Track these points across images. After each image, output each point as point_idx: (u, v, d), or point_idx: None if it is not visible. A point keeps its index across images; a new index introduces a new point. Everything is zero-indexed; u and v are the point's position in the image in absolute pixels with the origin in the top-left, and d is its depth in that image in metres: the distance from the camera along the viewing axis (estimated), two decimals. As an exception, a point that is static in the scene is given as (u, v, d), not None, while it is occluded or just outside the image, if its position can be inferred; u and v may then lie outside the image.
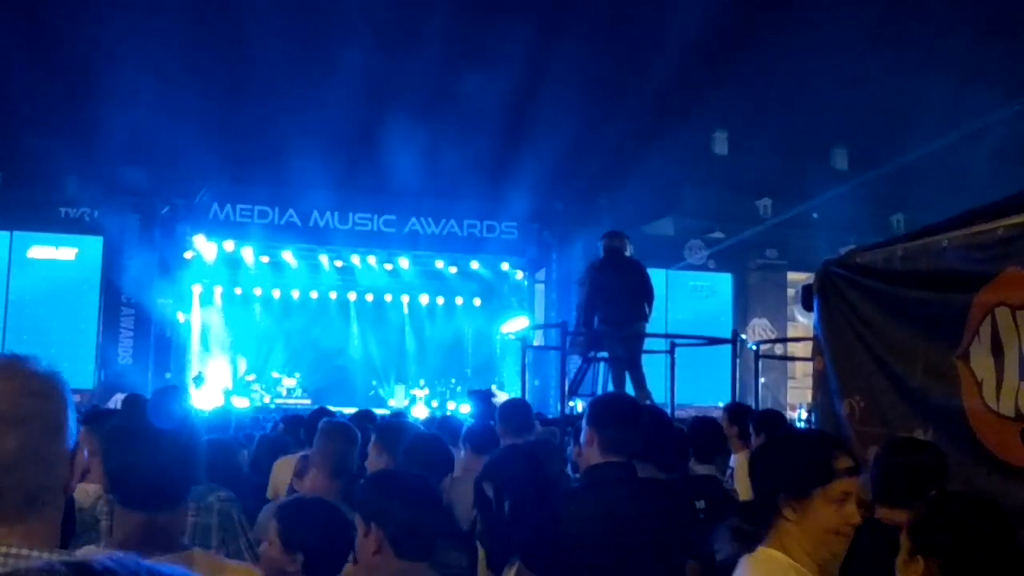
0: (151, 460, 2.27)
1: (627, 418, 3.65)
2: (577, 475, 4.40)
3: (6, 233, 17.86)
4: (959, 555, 2.20)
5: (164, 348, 17.95)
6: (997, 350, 4.79)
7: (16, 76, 15.94)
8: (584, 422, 3.75)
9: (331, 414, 6.78)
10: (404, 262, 20.63)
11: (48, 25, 17.82)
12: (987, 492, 4.54)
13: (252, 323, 22.18)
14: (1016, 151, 15.38)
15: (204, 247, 18.96)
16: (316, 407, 18.22)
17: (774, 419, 6.12)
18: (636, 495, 3.50)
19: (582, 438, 3.75)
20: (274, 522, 2.94)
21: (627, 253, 9.48)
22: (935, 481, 3.59)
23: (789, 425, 6.00)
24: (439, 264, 20.90)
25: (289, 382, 20.68)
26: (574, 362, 10.14)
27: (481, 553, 3.60)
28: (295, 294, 22.21)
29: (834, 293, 6.28)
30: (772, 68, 18.95)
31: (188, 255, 18.83)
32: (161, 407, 4.49)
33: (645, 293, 9.36)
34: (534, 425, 5.26)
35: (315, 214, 18.95)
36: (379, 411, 16.93)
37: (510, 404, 5.67)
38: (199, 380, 18.69)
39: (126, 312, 17.79)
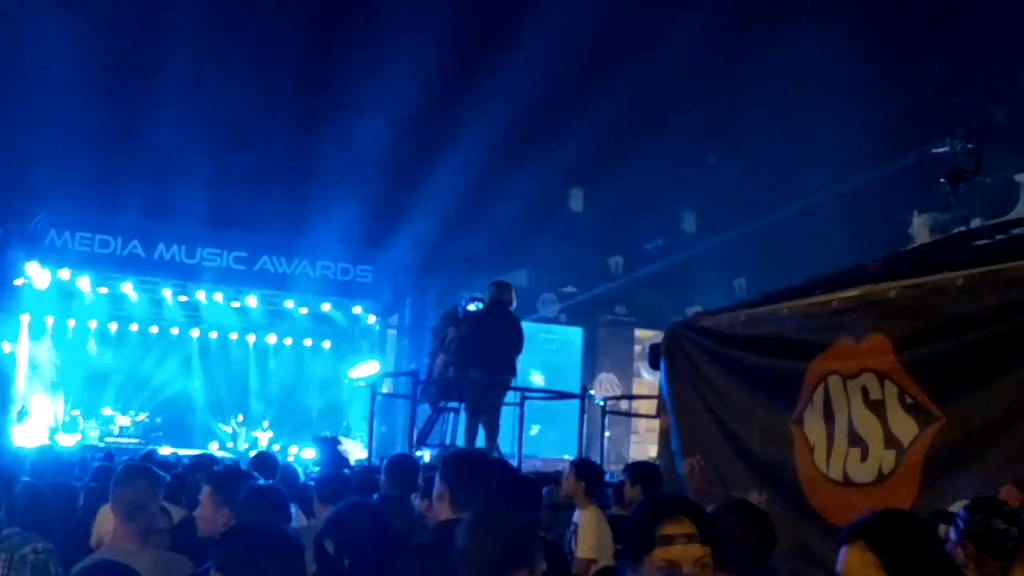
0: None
1: (480, 474, 3.63)
2: None
3: None
4: None
5: (-15, 380, 16.78)
6: (829, 417, 5.02)
7: None
8: (437, 476, 3.71)
9: (153, 456, 6.40)
10: (252, 300, 20.03)
11: None
12: (818, 554, 4.73)
13: (85, 357, 21.02)
14: (852, 223, 16.37)
15: (37, 274, 17.89)
16: (147, 448, 17.39)
17: (649, 472, 6.09)
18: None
19: (434, 492, 3.70)
20: None
21: (511, 307, 9.57)
22: (765, 545, 3.66)
23: (661, 478, 6.01)
24: (289, 304, 20.40)
25: (123, 420, 19.63)
26: (423, 411, 10.05)
27: None
28: (134, 328, 21.21)
29: (680, 354, 6.47)
30: (627, 131, 19.59)
31: (18, 282, 17.73)
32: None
33: (518, 348, 9.47)
34: (418, 482, 5.14)
35: (161, 246, 18.21)
36: (222, 454, 16.29)
37: (399, 458, 5.57)
38: (22, 415, 17.53)
39: (-56, 340, 16.58)
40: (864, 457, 4.79)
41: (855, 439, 4.85)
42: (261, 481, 4.30)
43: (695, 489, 5.85)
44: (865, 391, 4.81)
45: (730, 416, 5.84)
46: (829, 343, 5.08)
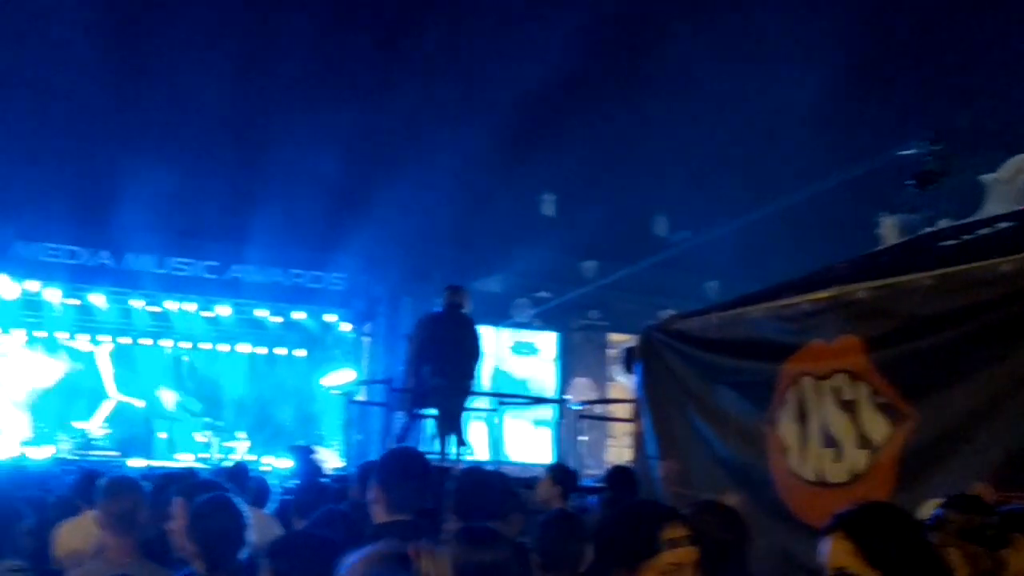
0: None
1: (414, 474, 3.60)
2: None
3: None
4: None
5: (-47, 394, 16.56)
6: (802, 418, 5.06)
7: None
8: (372, 478, 3.66)
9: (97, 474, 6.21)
10: (224, 310, 19.89)
11: None
12: (792, 553, 4.76)
13: (56, 369, 20.75)
14: (822, 225, 16.52)
15: (5, 286, 17.70)
16: (120, 459, 17.20)
17: (624, 477, 6.10)
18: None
19: (369, 495, 3.65)
20: None
21: (464, 310, 9.54)
22: (741, 546, 3.67)
23: (637, 484, 6.03)
24: (261, 313, 20.26)
25: (97, 432, 19.44)
26: (399, 418, 10.01)
27: None
28: (104, 339, 20.97)
29: (654, 357, 6.50)
30: (600, 136, 19.66)
31: (-14, 294, 17.53)
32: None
33: (475, 353, 9.45)
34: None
35: (130, 256, 18.08)
36: (197, 466, 16.12)
37: (371, 465, 5.27)
38: (-9, 429, 17.32)
39: (-90, 354, 16.34)
40: (838, 457, 4.83)
41: (828, 439, 4.89)
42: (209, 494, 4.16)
43: (671, 492, 5.87)
44: (837, 391, 4.85)
45: (704, 418, 5.87)
46: (801, 344, 5.13)
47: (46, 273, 17.84)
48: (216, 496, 3.82)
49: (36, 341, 20.28)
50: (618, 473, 6.26)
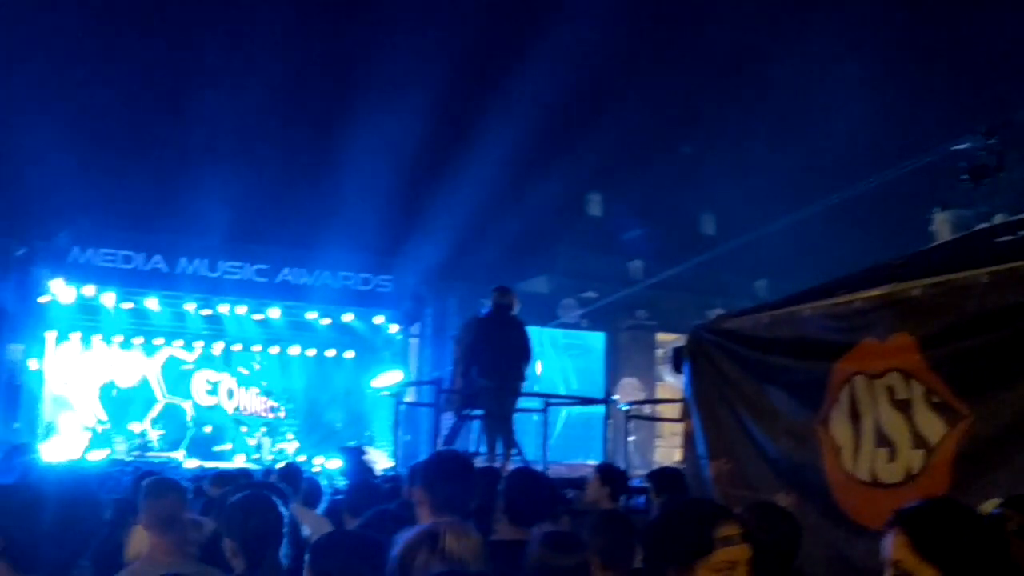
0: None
1: (456, 476, 3.64)
2: None
3: None
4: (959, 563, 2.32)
5: (13, 396, 16.94)
6: (855, 417, 4.99)
7: None
8: (417, 481, 3.72)
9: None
10: (275, 312, 20.14)
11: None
12: (846, 554, 4.70)
13: (112, 372, 21.15)
14: (873, 222, 16.28)
15: (61, 291, 18.08)
16: (175, 461, 17.48)
17: (672, 479, 6.06)
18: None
19: (414, 497, 3.70)
20: None
21: (514, 311, 9.56)
22: (789, 546, 3.63)
23: (685, 484, 5.98)
24: (311, 315, 20.50)
25: (152, 434, 19.79)
26: (447, 419, 10.06)
27: None
28: (158, 342, 21.34)
29: (703, 357, 6.45)
30: (645, 134, 19.59)
31: (44, 299, 17.91)
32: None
33: (525, 354, 9.46)
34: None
35: (183, 260, 18.39)
36: (249, 466, 16.38)
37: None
38: (50, 430, 17.68)
39: (-28, 358, 16.78)
40: (892, 457, 4.76)
41: (882, 439, 4.82)
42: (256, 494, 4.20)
43: (722, 492, 5.82)
44: (891, 391, 4.78)
45: (755, 418, 5.81)
46: (853, 343, 5.05)
47: (102, 278, 18.20)
48: (253, 494, 3.84)
49: (92, 344, 20.69)
50: (663, 474, 6.24)
